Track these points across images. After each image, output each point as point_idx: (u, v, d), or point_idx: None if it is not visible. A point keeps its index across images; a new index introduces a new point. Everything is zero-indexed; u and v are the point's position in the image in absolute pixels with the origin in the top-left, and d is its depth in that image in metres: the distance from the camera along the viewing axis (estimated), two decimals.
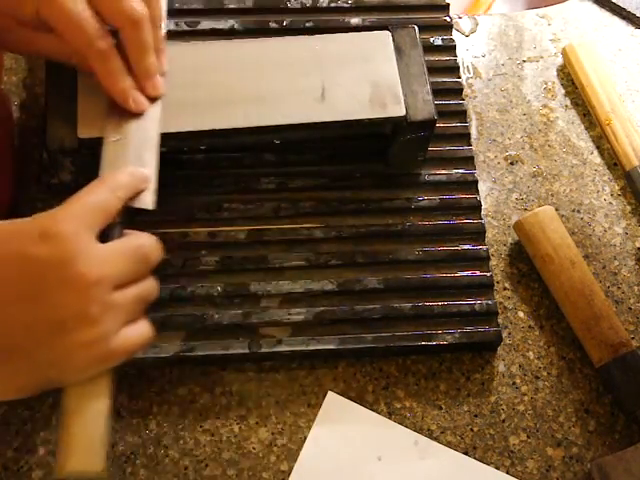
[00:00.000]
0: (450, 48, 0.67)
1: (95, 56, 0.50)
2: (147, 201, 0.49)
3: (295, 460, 0.54)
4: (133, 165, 0.50)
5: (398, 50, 0.59)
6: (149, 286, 0.47)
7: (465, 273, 0.59)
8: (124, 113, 0.52)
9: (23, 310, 0.41)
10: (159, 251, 0.47)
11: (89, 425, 0.43)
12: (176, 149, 0.58)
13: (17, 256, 0.41)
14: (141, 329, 0.46)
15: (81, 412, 0.43)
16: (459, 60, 0.68)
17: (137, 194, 0.48)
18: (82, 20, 0.48)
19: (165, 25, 0.54)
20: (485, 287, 0.59)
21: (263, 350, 0.55)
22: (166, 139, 0.54)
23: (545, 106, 0.69)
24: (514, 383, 0.58)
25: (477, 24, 0.73)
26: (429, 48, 0.66)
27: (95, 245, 0.43)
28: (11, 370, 0.42)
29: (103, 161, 0.50)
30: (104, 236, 0.45)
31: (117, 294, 0.43)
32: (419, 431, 0.55)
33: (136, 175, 0.49)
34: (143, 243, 0.46)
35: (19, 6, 0.49)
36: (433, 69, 0.63)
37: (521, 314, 0.60)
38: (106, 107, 0.53)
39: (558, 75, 0.71)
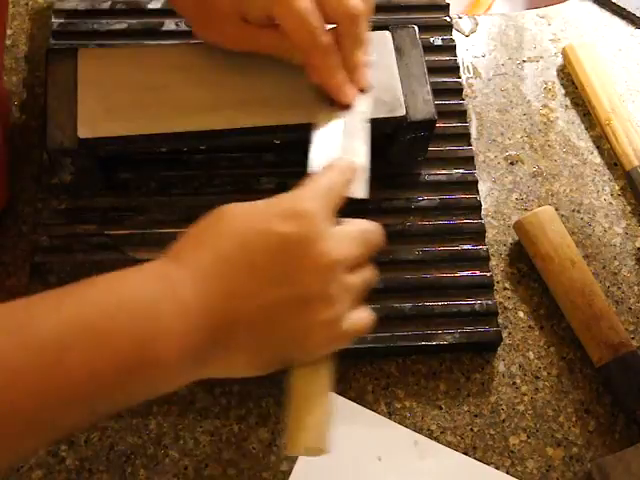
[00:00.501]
0: (450, 48, 0.67)
1: (318, 51, 0.52)
2: (362, 190, 0.50)
3: (295, 460, 0.54)
4: (345, 154, 0.52)
5: (398, 50, 0.59)
6: (373, 272, 0.48)
7: (465, 273, 0.59)
8: (334, 104, 0.54)
9: (272, 287, 0.42)
10: (382, 236, 0.48)
11: (317, 405, 0.45)
12: (176, 149, 0.58)
13: (265, 233, 0.42)
14: (365, 313, 0.47)
15: (310, 393, 0.45)
16: (459, 60, 0.68)
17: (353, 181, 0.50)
18: (309, 16, 0.50)
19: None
20: (485, 287, 0.59)
21: None
22: (166, 139, 0.55)
23: (545, 106, 0.69)
24: (514, 383, 0.58)
25: (477, 24, 0.73)
26: (429, 48, 0.66)
27: (334, 226, 0.45)
28: (256, 346, 0.43)
29: (314, 149, 0.52)
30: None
31: (352, 276, 0.45)
32: (419, 431, 0.55)
33: (353, 164, 0.50)
34: (370, 228, 0.48)
35: (254, 6, 0.51)
36: (433, 69, 0.63)
37: (521, 314, 0.60)
38: (316, 97, 0.55)
39: (558, 75, 0.71)
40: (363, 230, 0.47)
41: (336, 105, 0.54)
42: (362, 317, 0.47)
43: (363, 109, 0.55)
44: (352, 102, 0.54)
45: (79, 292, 0.39)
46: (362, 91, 0.55)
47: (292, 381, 0.46)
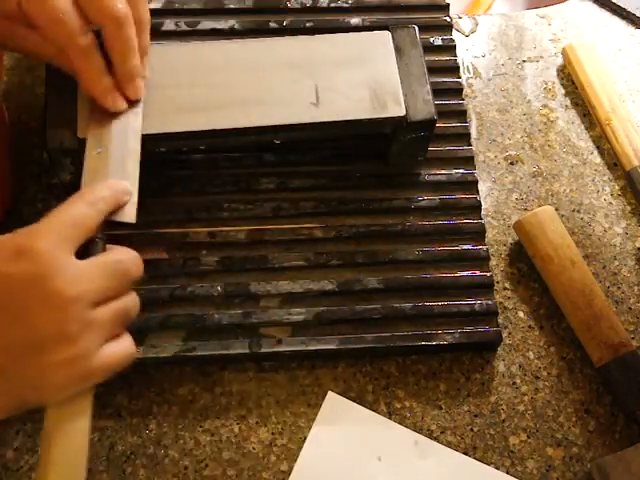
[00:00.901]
0: (450, 48, 0.67)
1: (75, 53, 0.49)
2: (129, 214, 0.48)
3: (295, 460, 0.54)
4: (115, 177, 0.49)
5: (398, 50, 0.59)
6: (130, 301, 0.45)
7: (465, 273, 0.59)
8: (105, 122, 0.51)
9: (0, 331, 0.40)
10: (139, 266, 0.46)
11: (70, 446, 0.43)
12: (176, 149, 0.58)
13: None
14: (122, 345, 0.44)
15: (61, 434, 0.43)
16: (459, 60, 0.67)
17: (118, 207, 0.47)
18: (64, 15, 0.47)
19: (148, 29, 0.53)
20: (485, 287, 0.59)
21: (263, 350, 0.55)
22: (166, 139, 0.55)
23: (545, 106, 0.69)
24: (514, 383, 0.58)
25: (477, 24, 0.73)
26: (429, 48, 0.66)
27: (72, 261, 0.42)
28: None
29: (84, 174, 0.49)
30: (85, 251, 0.44)
31: (96, 311, 0.42)
32: (419, 431, 0.55)
33: (116, 188, 0.47)
34: (122, 258, 0.45)
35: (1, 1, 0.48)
36: (433, 69, 0.63)
37: (521, 314, 0.60)
38: (86, 116, 0.52)
39: (558, 75, 0.71)
40: (117, 260, 0.44)
41: (107, 123, 0.51)
42: (118, 349, 0.44)
43: (135, 127, 0.52)
44: (118, 110, 0.51)
45: None
46: (133, 102, 0.52)
47: (45, 421, 0.43)
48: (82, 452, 0.43)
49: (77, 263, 0.42)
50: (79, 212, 0.44)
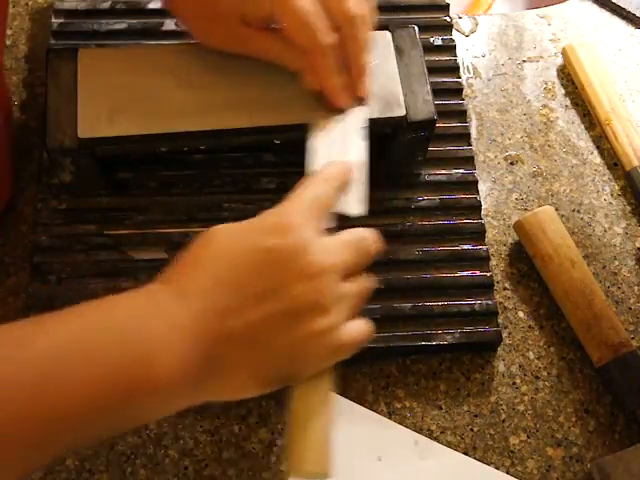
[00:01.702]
0: (450, 48, 0.67)
1: (317, 51, 0.51)
2: (356, 206, 0.50)
3: None
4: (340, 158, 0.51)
5: (398, 50, 0.59)
6: (369, 281, 0.47)
7: (465, 273, 0.59)
8: (331, 109, 0.54)
9: (260, 303, 0.42)
10: (379, 244, 0.48)
11: (319, 427, 0.44)
12: (176, 149, 0.58)
13: (253, 249, 0.42)
14: (362, 323, 0.46)
15: (311, 414, 0.44)
16: (459, 60, 0.68)
17: (345, 191, 0.49)
18: (311, 16, 0.50)
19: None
20: (485, 287, 0.59)
21: None
22: (166, 139, 0.55)
23: (545, 106, 0.69)
24: (514, 383, 0.58)
25: (477, 24, 0.73)
26: (429, 48, 0.66)
27: (322, 236, 0.44)
28: (253, 363, 0.42)
29: (308, 158, 0.51)
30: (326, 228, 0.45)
31: (345, 285, 0.44)
32: (419, 431, 0.55)
33: (345, 166, 0.50)
34: (365, 236, 0.47)
35: (255, 7, 0.51)
36: (433, 69, 0.63)
37: (521, 314, 0.60)
38: (314, 100, 0.54)
39: (558, 75, 0.71)
40: (357, 238, 0.46)
41: (332, 110, 0.54)
42: (360, 327, 0.46)
43: (361, 116, 0.55)
44: (347, 107, 0.54)
45: (71, 317, 0.39)
46: (361, 99, 0.55)
47: (293, 400, 0.45)
48: (329, 434, 0.45)
49: (327, 238, 0.45)
50: (320, 190, 0.46)
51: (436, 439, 0.55)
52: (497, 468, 0.55)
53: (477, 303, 0.58)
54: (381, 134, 0.59)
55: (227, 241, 0.43)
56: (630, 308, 0.61)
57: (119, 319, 0.40)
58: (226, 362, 0.41)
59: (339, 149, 0.52)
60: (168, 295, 0.41)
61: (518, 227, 0.61)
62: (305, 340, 0.43)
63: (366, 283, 0.47)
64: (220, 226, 0.44)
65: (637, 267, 0.63)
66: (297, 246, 0.43)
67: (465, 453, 0.55)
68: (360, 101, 0.55)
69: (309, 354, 0.43)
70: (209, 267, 0.42)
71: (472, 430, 0.56)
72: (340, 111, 0.54)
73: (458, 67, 0.67)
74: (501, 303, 0.60)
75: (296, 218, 0.44)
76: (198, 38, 0.56)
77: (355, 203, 0.50)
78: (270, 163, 0.61)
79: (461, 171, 0.63)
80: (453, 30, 0.69)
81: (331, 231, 0.46)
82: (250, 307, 0.41)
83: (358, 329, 0.46)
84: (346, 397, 0.56)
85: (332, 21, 0.51)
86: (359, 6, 0.52)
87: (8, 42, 0.66)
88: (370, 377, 0.57)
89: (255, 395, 0.44)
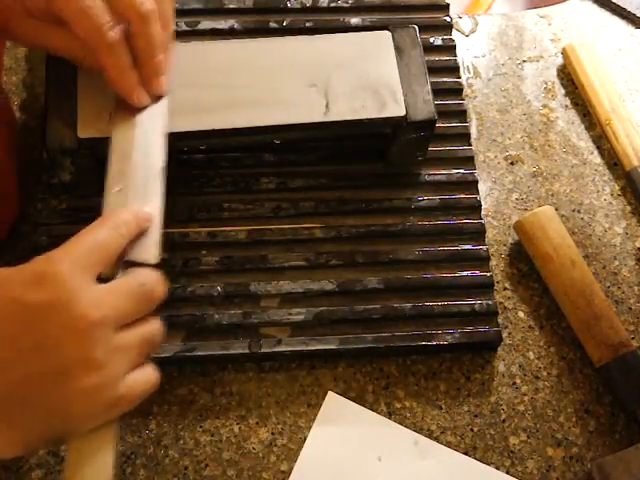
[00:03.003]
0: (450, 48, 0.67)
1: (104, 48, 0.49)
2: (151, 254, 0.46)
3: (295, 460, 0.54)
4: (136, 203, 0.48)
5: (398, 50, 0.59)
6: (154, 327, 0.44)
7: (465, 273, 0.59)
8: (130, 121, 0.51)
9: (23, 360, 0.39)
10: (163, 287, 0.45)
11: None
12: (176, 149, 0.58)
13: (12, 303, 0.39)
14: (147, 373, 0.43)
15: (86, 468, 0.42)
16: (459, 60, 0.68)
17: (140, 233, 0.46)
18: (93, 10, 0.47)
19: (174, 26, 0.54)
20: (485, 287, 0.59)
21: (263, 350, 0.55)
22: (166, 139, 0.54)
23: (545, 106, 0.69)
24: (514, 383, 0.58)
25: (477, 24, 0.73)
26: (429, 48, 0.66)
27: (94, 286, 0.41)
28: (15, 422, 0.40)
29: (105, 211, 0.48)
30: (103, 276, 0.43)
31: (121, 335, 0.41)
32: (419, 431, 0.55)
33: (139, 214, 0.46)
34: (145, 280, 0.43)
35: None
36: (433, 69, 0.63)
37: (521, 314, 0.60)
38: (111, 114, 0.52)
39: (558, 75, 0.71)
40: (139, 283, 0.43)
41: (130, 114, 0.51)
42: (144, 377, 0.43)
43: (159, 121, 0.52)
44: (143, 105, 0.52)
45: None
46: (158, 98, 0.52)
47: (67, 454, 0.42)
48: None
49: (99, 287, 0.41)
50: (101, 236, 0.43)
51: (436, 439, 0.55)
52: (497, 468, 0.55)
53: (477, 303, 0.58)
54: (381, 134, 0.60)
55: None
56: (630, 308, 0.61)
57: None
58: None
59: (135, 201, 0.48)
60: None
61: (518, 227, 0.61)
62: (71, 398, 0.39)
63: (151, 329, 0.44)
64: None
65: (637, 267, 0.63)
66: (62, 299, 0.39)
67: (465, 453, 0.55)
68: (157, 100, 0.52)
69: (77, 412, 0.40)
70: None
71: (472, 430, 0.56)
72: (138, 110, 0.52)
73: (458, 67, 0.67)
74: (501, 303, 0.60)
75: (64, 267, 0.40)
76: None
77: (149, 250, 0.46)
78: (270, 163, 0.61)
79: (461, 171, 0.63)
80: (453, 30, 0.69)
81: (112, 278, 0.43)
82: (12, 365, 0.38)
83: (139, 380, 0.42)
84: (346, 397, 0.56)
85: (120, 17, 0.49)
86: (148, 3, 0.49)
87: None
88: (370, 377, 0.57)
89: (18, 455, 0.41)
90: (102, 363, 0.40)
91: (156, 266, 0.46)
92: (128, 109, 0.52)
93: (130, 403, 0.42)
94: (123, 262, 0.45)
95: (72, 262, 0.40)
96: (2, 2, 0.49)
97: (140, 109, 0.52)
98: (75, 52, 0.52)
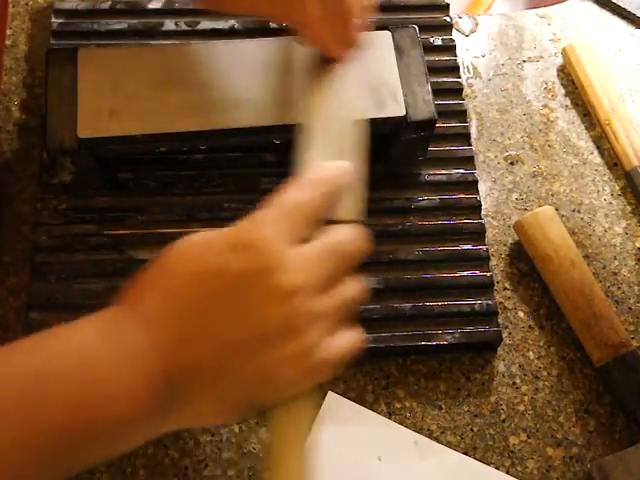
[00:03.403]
0: (450, 48, 0.67)
1: (307, 13, 0.48)
2: (352, 211, 0.45)
3: None
4: (335, 158, 0.46)
5: (398, 50, 0.59)
6: (354, 287, 0.43)
7: (465, 273, 0.59)
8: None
9: (225, 328, 0.39)
10: (363, 243, 0.43)
11: (298, 453, 0.42)
12: (176, 149, 0.58)
13: (217, 269, 0.39)
14: (349, 336, 0.42)
15: (291, 438, 0.42)
16: (459, 60, 0.68)
17: (341, 190, 0.44)
18: None
19: None
20: (485, 287, 0.59)
21: None
22: (166, 139, 0.55)
23: (545, 106, 0.69)
24: (514, 383, 0.58)
25: (477, 24, 0.73)
26: (429, 48, 0.66)
27: (291, 251, 0.40)
28: (220, 390, 0.40)
29: (300, 152, 0.46)
30: (310, 236, 0.41)
31: (320, 301, 0.40)
32: (419, 431, 0.55)
33: (337, 169, 0.44)
34: (342, 239, 0.42)
35: None
36: (433, 69, 0.63)
37: (521, 314, 0.60)
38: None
39: (558, 75, 0.71)
40: (336, 242, 0.42)
41: (323, 72, 0.51)
42: (344, 341, 0.42)
43: (353, 79, 0.52)
44: (347, 58, 0.51)
45: (23, 349, 0.38)
46: (352, 54, 0.52)
47: (272, 424, 0.42)
48: (309, 453, 0.42)
49: (296, 252, 0.40)
50: (302, 197, 0.42)
51: (436, 439, 0.55)
52: (497, 468, 0.55)
53: (477, 303, 0.58)
54: (381, 134, 0.59)
55: (188, 259, 0.40)
56: (630, 308, 0.61)
57: (74, 356, 0.37)
58: (191, 391, 0.39)
59: (334, 145, 0.47)
60: (127, 321, 0.39)
61: (518, 227, 0.61)
62: (275, 366, 0.39)
63: (351, 289, 0.43)
64: (185, 239, 0.41)
65: (637, 267, 0.63)
66: (264, 266, 0.39)
67: (465, 453, 0.55)
68: (351, 57, 0.52)
69: (281, 380, 0.40)
70: (168, 287, 0.39)
71: (472, 430, 0.56)
72: (336, 64, 0.51)
73: (458, 67, 0.67)
74: (501, 303, 0.60)
75: (267, 231, 0.40)
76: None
77: (350, 207, 0.45)
78: (270, 163, 0.61)
79: (461, 171, 0.63)
80: (453, 30, 0.69)
81: (315, 237, 0.42)
82: (215, 334, 0.39)
83: (339, 346, 0.42)
84: (346, 397, 0.56)
85: None
86: None
87: (8, 42, 0.66)
88: (370, 377, 0.57)
89: (225, 422, 0.42)
90: (302, 331, 0.39)
91: (359, 223, 0.44)
92: (322, 68, 0.51)
93: (332, 368, 0.41)
94: (325, 221, 0.43)
95: (276, 227, 0.40)
96: None
97: (334, 68, 0.51)
98: (281, 17, 0.53)
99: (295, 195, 0.42)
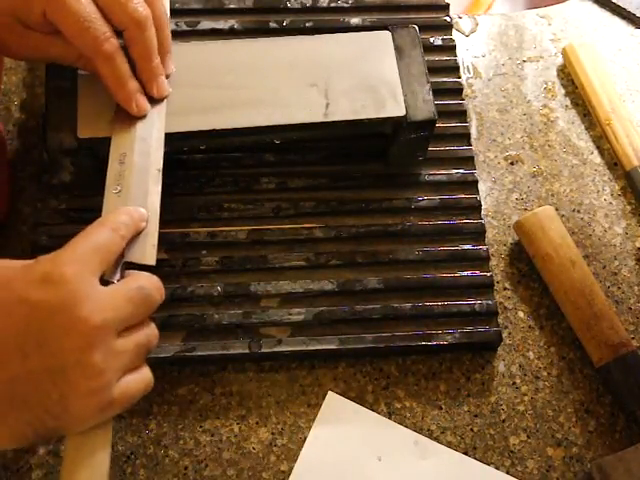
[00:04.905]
0: (450, 48, 0.67)
1: (102, 58, 0.50)
2: (148, 255, 0.47)
3: (295, 460, 0.54)
4: (135, 204, 0.49)
5: (398, 50, 0.59)
6: (151, 332, 0.45)
7: (465, 273, 0.59)
8: (129, 125, 0.52)
9: (24, 357, 0.39)
10: (161, 292, 0.45)
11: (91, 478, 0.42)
12: (176, 149, 0.58)
13: (18, 301, 0.40)
14: (142, 376, 0.44)
15: (81, 467, 0.42)
16: (459, 60, 0.68)
17: (137, 233, 0.47)
18: (89, 22, 0.48)
19: (169, 26, 0.54)
20: (485, 287, 0.59)
21: (263, 350, 0.55)
22: (166, 139, 0.54)
23: (545, 106, 0.69)
24: (514, 383, 0.58)
25: (477, 24, 0.73)
26: (429, 48, 0.66)
27: (98, 288, 0.41)
28: (9, 419, 0.40)
29: (104, 211, 0.48)
30: (105, 278, 0.44)
31: (120, 340, 0.42)
32: (419, 431, 0.55)
33: (135, 214, 0.47)
34: (144, 284, 0.44)
35: (25, 7, 0.49)
36: (433, 69, 0.63)
37: (521, 314, 0.60)
38: (110, 118, 0.53)
39: (558, 75, 0.71)
40: (139, 287, 0.43)
41: (129, 116, 0.52)
42: (138, 381, 0.43)
43: (157, 123, 0.53)
44: (143, 113, 0.52)
45: None
46: (157, 100, 0.53)
47: (64, 452, 0.43)
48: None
49: (101, 290, 0.42)
50: (103, 238, 0.44)
51: (436, 439, 0.55)
52: (497, 468, 0.55)
53: (477, 303, 0.58)
54: (381, 134, 0.60)
55: None
56: (630, 308, 0.61)
57: None
58: None
59: (133, 203, 0.49)
60: None
61: (518, 227, 0.61)
62: (73, 399, 0.40)
63: (147, 334, 0.44)
64: None
65: (637, 267, 0.63)
66: (67, 300, 0.40)
67: (465, 453, 0.55)
68: (157, 102, 0.53)
69: (75, 414, 0.41)
70: None
71: (472, 430, 0.56)
72: (139, 119, 0.52)
73: (458, 67, 0.67)
74: (501, 303, 0.60)
75: (70, 268, 0.40)
76: None
77: (146, 251, 0.47)
78: (270, 163, 0.61)
79: (461, 171, 0.63)
80: (453, 30, 0.69)
81: (112, 281, 0.44)
82: (12, 361, 0.39)
83: (134, 382, 0.43)
84: (346, 397, 0.56)
85: (115, 24, 0.50)
86: (142, 9, 0.50)
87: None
88: (370, 377, 0.57)
89: (13, 447, 0.43)
90: (100, 367, 0.40)
91: (153, 268, 0.46)
92: (128, 112, 0.52)
93: (124, 405, 0.43)
94: (122, 263, 0.45)
95: (78, 264, 0.41)
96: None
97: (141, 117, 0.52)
98: (74, 60, 0.52)
99: (96, 236, 0.43)
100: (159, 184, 0.50)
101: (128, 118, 0.52)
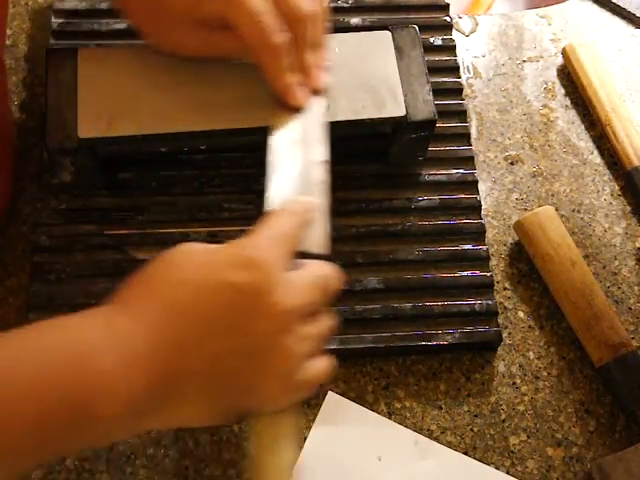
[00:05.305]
0: (450, 48, 0.67)
1: (267, 51, 0.51)
2: (322, 245, 0.48)
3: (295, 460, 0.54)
4: (302, 181, 0.50)
5: (398, 50, 0.59)
6: (329, 319, 0.46)
7: (465, 273, 0.59)
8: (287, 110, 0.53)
9: (221, 335, 0.41)
10: (341, 280, 0.47)
11: (278, 460, 0.44)
12: (176, 149, 0.58)
13: (219, 282, 0.41)
14: (323, 362, 0.46)
15: (271, 447, 0.44)
16: (459, 60, 0.68)
17: (309, 227, 0.48)
18: (262, 16, 0.49)
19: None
20: (485, 287, 0.59)
21: None
22: (166, 139, 0.55)
23: (545, 106, 0.69)
24: (514, 383, 0.58)
25: (477, 24, 0.73)
26: (429, 48, 0.66)
27: (288, 274, 0.43)
28: (211, 396, 0.42)
29: (267, 202, 0.49)
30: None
31: (308, 326, 0.44)
32: (419, 431, 0.55)
33: (310, 205, 0.48)
34: (328, 274, 0.46)
35: (211, 6, 0.50)
36: (433, 69, 0.63)
37: (521, 314, 0.60)
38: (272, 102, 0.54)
39: (558, 75, 0.71)
40: (320, 276, 0.45)
41: (288, 110, 0.53)
42: (319, 368, 0.45)
43: (319, 113, 0.54)
44: (302, 105, 0.53)
45: (16, 338, 0.39)
46: (316, 93, 0.54)
47: (253, 435, 0.45)
48: (291, 465, 0.45)
49: (288, 277, 0.43)
50: (288, 227, 0.45)
51: (436, 439, 0.55)
52: (497, 468, 0.55)
53: (477, 303, 0.58)
54: (381, 134, 0.60)
55: (189, 268, 0.42)
56: (630, 308, 0.61)
57: (68, 348, 0.39)
58: (183, 392, 0.41)
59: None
60: (124, 320, 0.40)
61: (518, 227, 0.61)
62: (262, 379, 0.42)
63: (328, 322, 0.46)
64: (183, 248, 0.43)
65: (637, 267, 0.63)
66: (264, 284, 0.42)
67: (465, 453, 0.55)
68: (316, 94, 0.54)
69: (265, 393, 0.43)
70: (167, 293, 0.41)
71: (472, 430, 0.56)
72: (297, 110, 0.53)
73: (458, 67, 0.67)
74: (501, 303, 0.60)
75: (264, 254, 0.42)
76: (148, 41, 0.54)
77: (319, 241, 0.48)
78: None
79: (461, 171, 0.63)
80: (453, 30, 0.69)
81: (295, 268, 0.45)
82: (214, 340, 0.41)
83: (318, 369, 0.45)
84: (346, 397, 0.56)
85: (284, 20, 0.51)
86: (310, 5, 0.51)
87: (8, 42, 0.66)
88: (370, 377, 0.57)
89: (208, 425, 0.44)
90: (290, 350, 0.42)
91: (327, 257, 0.47)
92: (287, 105, 0.53)
93: (309, 389, 0.45)
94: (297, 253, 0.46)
95: (272, 250, 0.43)
96: (171, 14, 0.51)
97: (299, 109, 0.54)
98: (236, 53, 0.53)
99: (283, 225, 0.45)
100: (326, 173, 0.51)
101: (288, 109, 0.53)
